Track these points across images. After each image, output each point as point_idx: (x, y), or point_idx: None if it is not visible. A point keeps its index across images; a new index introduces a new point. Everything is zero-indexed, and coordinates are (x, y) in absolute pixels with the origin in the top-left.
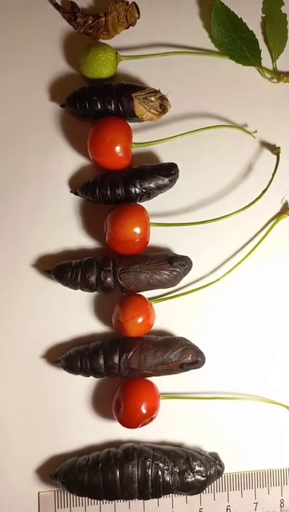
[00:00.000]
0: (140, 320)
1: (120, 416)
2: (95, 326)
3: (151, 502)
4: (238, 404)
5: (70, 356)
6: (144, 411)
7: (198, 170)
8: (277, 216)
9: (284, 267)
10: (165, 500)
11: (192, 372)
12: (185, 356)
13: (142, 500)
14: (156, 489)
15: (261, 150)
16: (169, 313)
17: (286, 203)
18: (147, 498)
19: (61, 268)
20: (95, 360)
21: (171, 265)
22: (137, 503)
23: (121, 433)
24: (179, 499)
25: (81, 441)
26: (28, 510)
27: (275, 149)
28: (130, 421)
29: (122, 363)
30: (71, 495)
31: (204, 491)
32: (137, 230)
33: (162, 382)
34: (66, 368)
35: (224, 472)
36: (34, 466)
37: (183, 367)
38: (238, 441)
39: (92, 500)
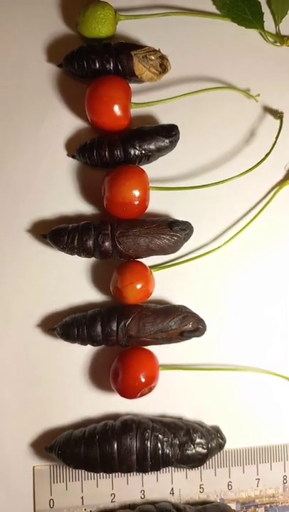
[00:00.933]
0: (139, 286)
1: (118, 385)
2: (93, 295)
3: (150, 477)
4: (239, 377)
5: (67, 323)
6: (142, 380)
7: (198, 135)
8: (281, 183)
9: (285, 235)
10: (164, 475)
11: (192, 343)
12: (185, 324)
13: (140, 476)
14: (155, 461)
15: (264, 115)
16: (169, 282)
17: None
18: (146, 471)
19: (57, 232)
20: (92, 327)
21: (172, 230)
22: (135, 479)
23: (119, 405)
24: (179, 475)
25: (78, 414)
26: (23, 484)
27: (277, 114)
28: (128, 390)
29: (120, 329)
30: (67, 469)
31: (205, 467)
32: (136, 193)
33: (162, 354)
34: (62, 335)
35: (226, 448)
36: (29, 440)
37: (183, 335)
38: (240, 415)
39: (89, 475)
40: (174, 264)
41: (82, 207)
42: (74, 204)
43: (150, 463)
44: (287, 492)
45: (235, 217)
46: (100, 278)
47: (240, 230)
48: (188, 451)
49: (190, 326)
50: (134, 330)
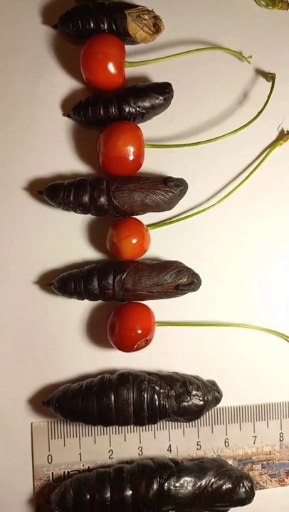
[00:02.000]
0: (134, 241)
1: (115, 338)
2: (89, 253)
3: (148, 434)
4: (235, 334)
5: (64, 278)
6: (138, 331)
7: (192, 96)
8: (273, 144)
9: (280, 194)
10: (162, 432)
11: (188, 300)
12: (180, 277)
13: (137, 433)
14: (152, 412)
15: (257, 78)
16: (164, 241)
17: (282, 130)
18: (143, 424)
19: (53, 187)
20: (89, 281)
21: (166, 185)
22: (132, 435)
23: (116, 361)
24: (176, 432)
25: (75, 370)
26: (21, 441)
27: (269, 75)
28: (125, 342)
29: (116, 283)
30: (65, 425)
31: (201, 424)
32: (131, 148)
33: (158, 311)
34: (59, 289)
35: (222, 405)
36: (26, 397)
37: (178, 288)
38: (237, 373)
39: (87, 432)
40: (169, 222)
41: (77, 166)
42: (70, 163)
43: (147, 414)
44: (283, 449)
45: (230, 176)
46: (96, 236)
47: (234, 189)
48: (185, 403)
49: (185, 279)
50: (130, 283)
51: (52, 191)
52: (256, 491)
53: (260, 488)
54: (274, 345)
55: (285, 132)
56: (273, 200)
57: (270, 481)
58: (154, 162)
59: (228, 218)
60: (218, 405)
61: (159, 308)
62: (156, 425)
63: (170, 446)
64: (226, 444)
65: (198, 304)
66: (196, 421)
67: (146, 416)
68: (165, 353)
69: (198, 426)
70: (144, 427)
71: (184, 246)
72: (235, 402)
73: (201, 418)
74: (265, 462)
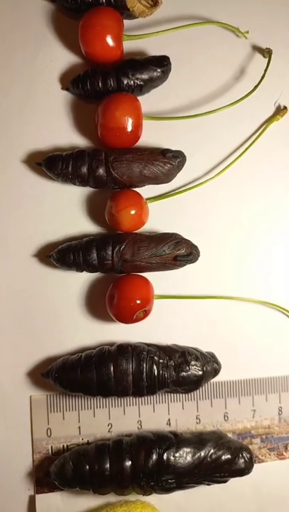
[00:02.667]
0: (133, 212)
1: (114, 308)
2: (88, 226)
3: (147, 408)
4: (235, 307)
5: (63, 249)
6: (137, 301)
7: (190, 71)
8: (270, 119)
9: (277, 168)
10: (161, 406)
11: (187, 273)
12: (179, 248)
13: (136, 406)
14: (151, 382)
15: (254, 54)
16: (163, 214)
17: (279, 106)
18: (142, 394)
19: (52, 158)
20: (87, 252)
21: (165, 157)
22: (131, 409)
23: (115, 334)
24: (175, 405)
25: (74, 343)
26: (20, 414)
27: (266, 50)
28: (124, 312)
29: (115, 254)
30: (64, 398)
31: (201, 397)
32: (129, 119)
33: (157, 285)
34: (58, 261)
35: (221, 379)
36: (25, 370)
37: (177, 259)
38: (236, 347)
39: (86, 405)
40: (167, 195)
41: (76, 140)
42: (68, 137)
43: (146, 384)
44: (282, 423)
45: (227, 151)
46: (95, 210)
47: (231, 163)
48: (184, 373)
49: (183, 251)
50: (128, 253)
51: (50, 162)
52: (255, 465)
53: (258, 462)
54: (273, 319)
55: (282, 107)
56: (271, 174)
57: (269, 454)
58: (153, 136)
59: (226, 192)
60: (217, 379)
61: (158, 281)
62: (155, 399)
63: (169, 420)
64: (225, 418)
65: (197, 278)
66: (195, 394)
67: (145, 386)
68: (164, 326)
69: (197, 399)
70: (143, 401)
71: (183, 220)
72: (235, 376)
73: (200, 391)
74: (264, 436)
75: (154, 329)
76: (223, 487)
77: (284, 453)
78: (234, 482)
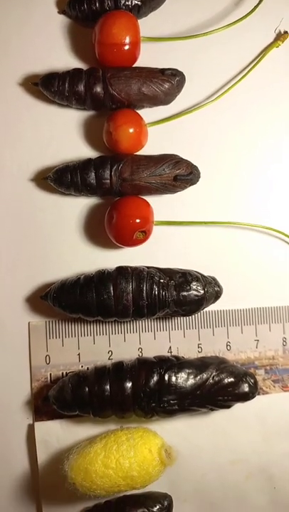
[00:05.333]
0: (131, 130)
1: (113, 229)
2: (85, 151)
3: (148, 336)
4: (236, 233)
5: (60, 170)
6: (137, 220)
7: None
8: (270, 45)
9: (277, 94)
10: (162, 333)
11: (187, 198)
12: (179, 168)
13: (137, 333)
14: (151, 301)
15: None
16: (162, 139)
17: (279, 32)
18: (142, 315)
19: (49, 77)
20: (85, 171)
21: (163, 74)
22: (132, 336)
23: (114, 261)
24: (177, 333)
25: (73, 269)
26: (18, 341)
27: None
28: (123, 232)
29: (113, 173)
30: (63, 325)
31: (202, 326)
32: (126, 35)
33: (157, 211)
34: (56, 182)
35: (223, 308)
36: (24, 295)
37: (177, 179)
38: (238, 275)
39: (85, 331)
40: (166, 119)
41: (73, 63)
42: (65, 60)
43: (146, 303)
44: (287, 354)
45: (228, 76)
46: (93, 134)
47: (231, 87)
48: (185, 292)
49: (183, 170)
50: (127, 172)
51: (47, 80)
52: (259, 396)
53: (263, 394)
54: (277, 247)
55: (283, 32)
56: (271, 99)
57: (274, 386)
58: (151, 60)
59: (226, 116)
60: (219, 307)
61: (158, 207)
62: (155, 326)
63: (170, 347)
64: (228, 348)
65: (196, 203)
66: (196, 322)
67: (145, 305)
68: (164, 253)
69: (198, 328)
70: (143, 328)
71: (182, 144)
72: (237, 305)
73: (201, 319)
74: (268, 367)
75: (154, 256)
76: (226, 417)
77: None
78: (238, 412)
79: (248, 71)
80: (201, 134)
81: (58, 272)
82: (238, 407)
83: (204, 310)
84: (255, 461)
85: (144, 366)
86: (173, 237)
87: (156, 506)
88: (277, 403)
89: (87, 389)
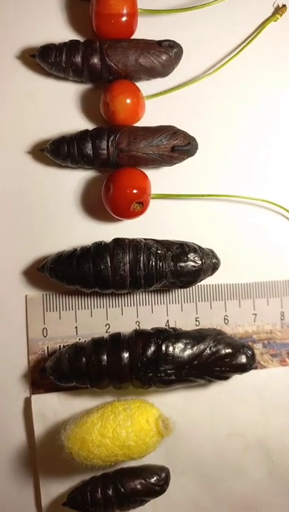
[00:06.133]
0: (128, 100)
1: (109, 200)
2: (83, 124)
3: (145, 309)
4: (235, 206)
5: (57, 141)
6: (134, 190)
7: None
8: (269, 18)
9: (275, 67)
10: (160, 307)
11: (185, 171)
12: (176, 139)
13: (135, 307)
14: (148, 272)
15: None
16: (160, 112)
17: (278, 6)
18: (139, 286)
19: (46, 48)
20: (82, 142)
21: (161, 46)
22: (129, 309)
23: (112, 234)
24: (174, 307)
25: (70, 243)
26: (15, 314)
27: None
28: (120, 203)
29: (110, 143)
30: (60, 297)
31: (199, 299)
32: (124, 6)
33: (154, 184)
34: (52, 153)
35: (220, 282)
36: (21, 268)
37: (174, 149)
38: (236, 249)
39: (83, 304)
40: (164, 92)
41: (70, 35)
42: (62, 32)
43: (143, 273)
44: (285, 329)
45: (226, 50)
46: (90, 107)
47: (229, 60)
48: (182, 263)
49: (181, 141)
50: (124, 143)
51: (44, 52)
52: (257, 371)
53: (261, 368)
54: (275, 221)
55: (281, 6)
56: (268, 73)
57: (272, 360)
58: (148, 34)
59: (223, 89)
60: (216, 281)
61: (156, 181)
62: (153, 299)
63: (168, 321)
64: (226, 322)
65: (194, 177)
66: (194, 296)
67: (142, 275)
68: (162, 227)
69: (196, 301)
70: (141, 301)
71: (180, 118)
72: (234, 279)
73: (199, 293)
74: (266, 341)
75: (152, 230)
76: (224, 391)
77: (287, 359)
78: (236, 386)
79: (246, 44)
80: (199, 108)
81: (55, 246)
82: (236, 380)
83: (202, 283)
84: (252, 434)
85: (141, 337)
86: (170, 211)
87: (153, 478)
88: (275, 377)
89: (84, 359)
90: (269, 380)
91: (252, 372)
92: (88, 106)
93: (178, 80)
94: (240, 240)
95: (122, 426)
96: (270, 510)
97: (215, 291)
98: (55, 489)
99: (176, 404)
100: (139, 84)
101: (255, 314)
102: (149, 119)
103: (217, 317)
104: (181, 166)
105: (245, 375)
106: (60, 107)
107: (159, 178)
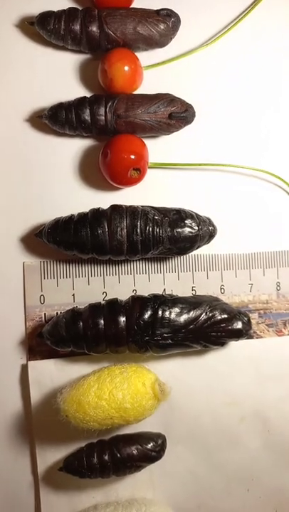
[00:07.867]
0: (126, 68)
1: (107, 166)
2: (81, 93)
3: (142, 277)
4: (231, 177)
5: (55, 107)
6: (131, 156)
7: None
8: None
9: (271, 40)
10: (156, 276)
11: (182, 140)
12: (174, 105)
13: (132, 276)
14: (145, 237)
15: None
16: (158, 83)
17: None
18: (136, 252)
19: (44, 15)
20: (80, 107)
21: (159, 15)
22: (127, 278)
23: (108, 203)
24: (171, 276)
25: (68, 211)
26: (13, 281)
27: None
28: (117, 169)
29: (108, 109)
30: (57, 265)
31: (196, 269)
32: None
33: (151, 153)
34: (50, 118)
35: (217, 252)
36: (18, 235)
37: (172, 116)
38: (232, 219)
39: (80, 272)
40: (162, 62)
41: (69, 5)
42: (61, 3)
43: (140, 238)
44: (281, 299)
45: (224, 21)
46: (88, 76)
47: (226, 31)
48: (179, 229)
49: (178, 108)
50: (122, 109)
51: (43, 19)
52: (253, 340)
53: (257, 337)
54: (272, 192)
55: None
56: (266, 44)
57: (268, 330)
58: (146, 3)
59: (221, 60)
60: (212, 251)
61: (153, 150)
62: (150, 268)
63: (165, 290)
64: (222, 291)
65: (192, 146)
66: (191, 265)
67: (139, 240)
68: (159, 196)
69: (192, 270)
70: (137, 270)
71: (177, 88)
72: (231, 250)
73: (195, 262)
74: (262, 311)
75: (149, 199)
76: (221, 360)
77: (283, 330)
78: (232, 356)
79: (244, 15)
80: (197, 78)
81: (52, 213)
82: (232, 350)
83: (198, 253)
84: (249, 404)
85: (138, 301)
86: (168, 180)
87: (150, 444)
88: (271, 348)
89: (81, 323)
90: (265, 350)
91: (248, 341)
92: (87, 75)
93: (176, 51)
94: (237, 210)
95: (119, 388)
96: (266, 479)
97: (211, 260)
98: (51, 456)
99: (173, 372)
100: (137, 54)
101: (252, 284)
102: (147, 90)
103: (213, 286)
104: (179, 136)
105: (241, 344)
106: (59, 76)
107: (158, 148)
